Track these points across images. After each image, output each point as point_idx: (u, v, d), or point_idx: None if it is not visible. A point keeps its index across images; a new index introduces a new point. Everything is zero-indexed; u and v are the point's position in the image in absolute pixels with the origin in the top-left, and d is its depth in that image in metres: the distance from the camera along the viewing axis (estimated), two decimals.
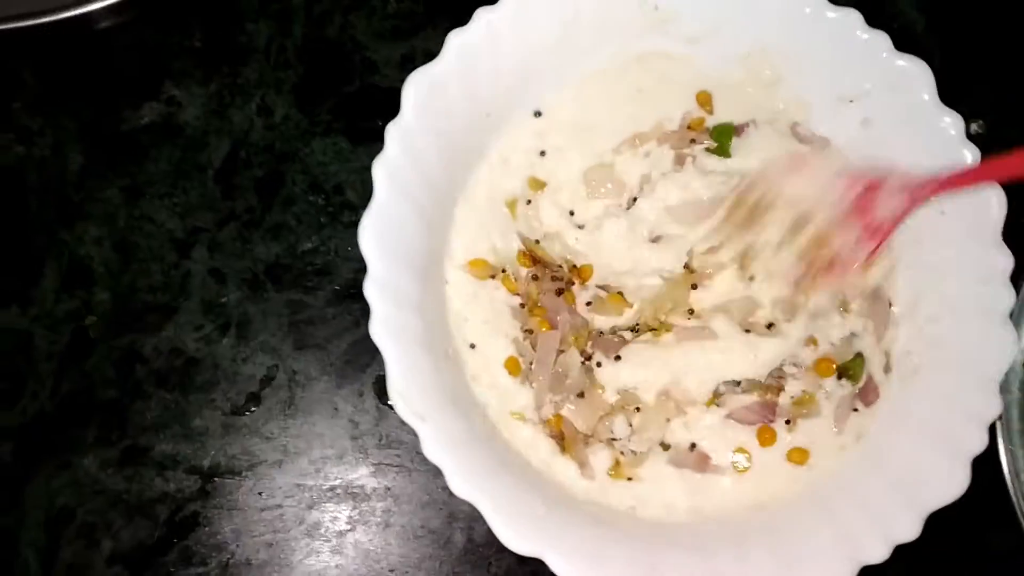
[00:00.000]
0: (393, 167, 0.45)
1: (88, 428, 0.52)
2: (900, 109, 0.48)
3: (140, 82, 0.56)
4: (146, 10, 0.56)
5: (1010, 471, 0.50)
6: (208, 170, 0.55)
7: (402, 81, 0.46)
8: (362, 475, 0.52)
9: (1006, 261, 0.46)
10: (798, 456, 0.48)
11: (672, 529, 0.47)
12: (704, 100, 0.52)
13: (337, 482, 0.52)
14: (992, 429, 0.48)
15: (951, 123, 0.47)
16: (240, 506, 0.51)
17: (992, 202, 0.46)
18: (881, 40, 0.48)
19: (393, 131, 0.45)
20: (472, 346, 0.48)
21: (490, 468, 0.44)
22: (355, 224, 0.45)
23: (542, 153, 0.51)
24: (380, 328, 0.43)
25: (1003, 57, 0.60)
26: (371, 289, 0.44)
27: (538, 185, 0.51)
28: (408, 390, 0.44)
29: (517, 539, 0.42)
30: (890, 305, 0.50)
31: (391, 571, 0.51)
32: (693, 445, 0.48)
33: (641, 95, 0.52)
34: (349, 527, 0.52)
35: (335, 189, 0.55)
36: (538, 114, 0.51)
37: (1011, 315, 0.46)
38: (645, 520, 0.47)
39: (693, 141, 0.51)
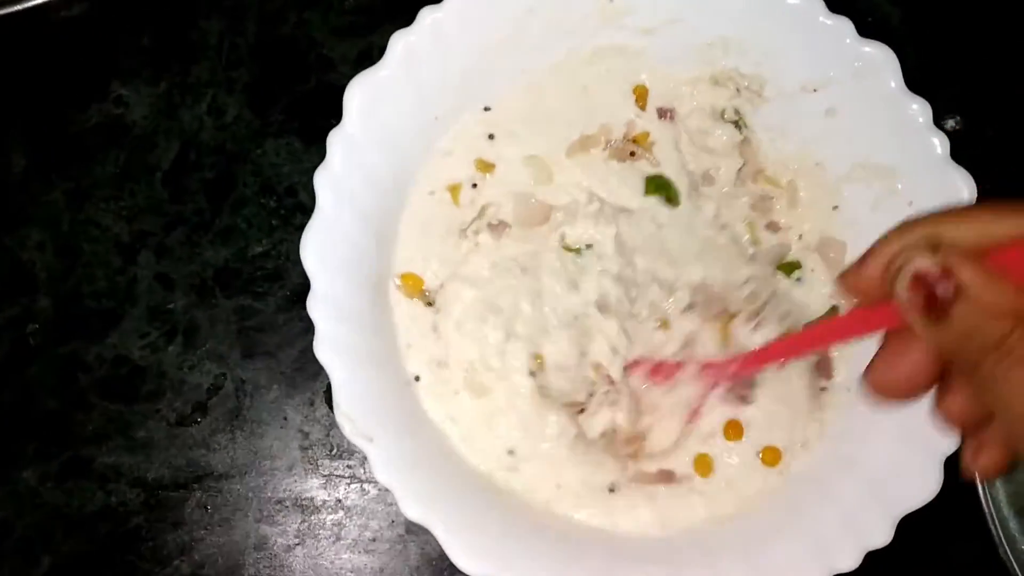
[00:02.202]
0: (336, 177, 0.43)
1: (28, 440, 0.50)
2: (866, 97, 0.47)
3: (86, 81, 0.54)
4: (93, 5, 0.54)
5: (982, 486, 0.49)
6: (156, 172, 0.54)
7: None
8: (312, 487, 0.51)
9: None
10: (770, 457, 0.47)
11: (640, 544, 0.46)
12: (640, 94, 0.50)
13: (286, 494, 0.50)
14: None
15: (919, 110, 0.45)
16: (185, 520, 0.50)
17: (963, 191, 0.45)
18: (845, 26, 0.46)
19: (335, 140, 0.43)
20: (416, 378, 0.46)
21: (444, 488, 0.43)
22: None
23: (491, 136, 0.49)
24: (325, 346, 0.42)
25: (980, 52, 0.58)
26: (315, 306, 0.42)
27: (486, 167, 0.48)
28: (355, 411, 0.42)
29: (473, 562, 0.41)
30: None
31: None
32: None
33: (587, 93, 0.50)
34: (298, 541, 0.50)
35: (288, 191, 0.54)
36: (487, 109, 0.49)
37: None
38: (612, 535, 0.46)
39: (633, 154, 0.49)
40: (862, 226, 0.48)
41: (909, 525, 0.43)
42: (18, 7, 0.51)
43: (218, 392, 0.51)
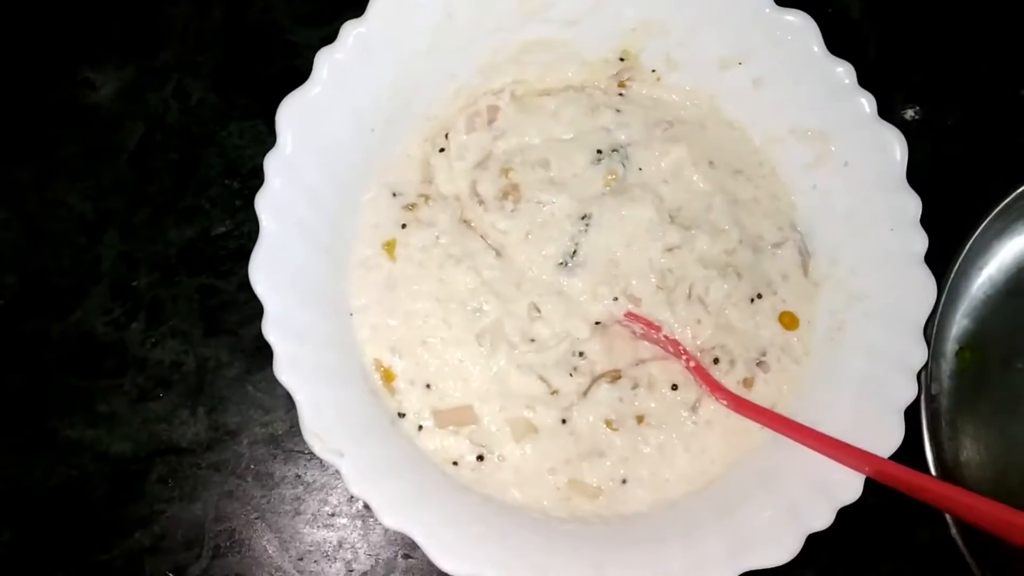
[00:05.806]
0: (278, 200, 0.43)
1: None
2: (791, 64, 0.48)
3: (55, 64, 0.55)
4: None
5: (934, 464, 0.49)
6: (122, 153, 0.55)
7: None
8: (272, 462, 0.51)
9: (915, 204, 0.45)
10: (789, 320, 0.49)
11: (618, 524, 0.46)
12: (492, 114, 0.51)
13: (246, 469, 0.51)
14: (917, 423, 0.48)
15: (844, 72, 0.46)
16: (146, 493, 0.51)
17: (895, 147, 0.46)
18: None
19: (272, 163, 0.43)
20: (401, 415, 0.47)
21: (419, 492, 0.43)
22: None
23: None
24: (285, 368, 0.41)
25: (939, 42, 0.59)
26: (271, 329, 0.41)
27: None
28: (323, 428, 0.41)
29: (455, 563, 0.41)
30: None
31: (300, 559, 0.50)
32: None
33: None
34: (258, 515, 0.51)
35: (251, 172, 0.55)
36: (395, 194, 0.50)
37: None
38: (587, 517, 0.46)
39: None
40: (800, 187, 0.50)
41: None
42: None
43: (180, 368, 0.52)
